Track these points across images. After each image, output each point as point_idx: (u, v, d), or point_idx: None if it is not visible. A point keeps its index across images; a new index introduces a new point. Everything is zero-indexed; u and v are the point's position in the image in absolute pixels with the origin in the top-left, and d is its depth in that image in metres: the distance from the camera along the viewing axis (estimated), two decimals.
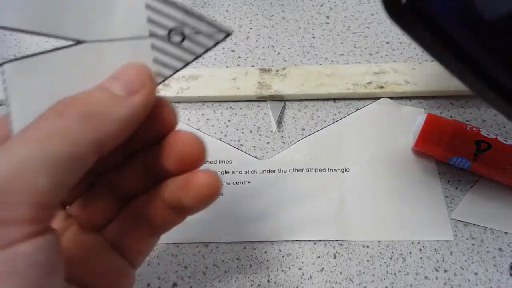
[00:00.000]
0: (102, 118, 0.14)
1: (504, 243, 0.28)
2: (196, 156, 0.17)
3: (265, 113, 0.35)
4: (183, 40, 0.15)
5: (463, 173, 0.31)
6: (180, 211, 0.19)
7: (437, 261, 0.28)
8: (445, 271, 0.27)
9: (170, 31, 0.15)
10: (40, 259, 0.13)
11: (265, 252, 0.28)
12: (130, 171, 0.19)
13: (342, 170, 0.31)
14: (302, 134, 0.33)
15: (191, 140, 0.17)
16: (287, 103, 0.35)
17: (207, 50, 0.16)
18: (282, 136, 0.33)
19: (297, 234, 0.29)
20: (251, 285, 0.27)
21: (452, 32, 0.15)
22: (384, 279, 0.27)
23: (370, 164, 0.32)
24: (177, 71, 0.16)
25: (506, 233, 0.29)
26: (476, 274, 0.27)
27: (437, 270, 0.27)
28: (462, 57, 0.16)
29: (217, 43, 0.16)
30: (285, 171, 0.31)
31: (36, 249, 0.13)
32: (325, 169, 0.32)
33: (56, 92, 0.14)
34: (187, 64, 0.16)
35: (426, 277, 0.27)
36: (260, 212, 0.30)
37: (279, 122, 0.34)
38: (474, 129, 0.30)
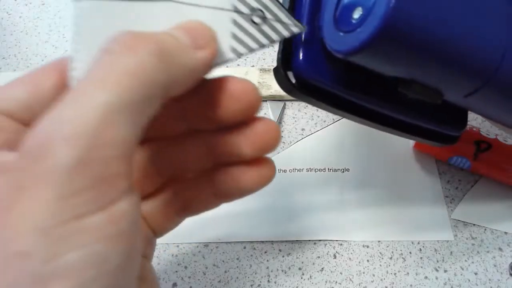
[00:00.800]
0: (173, 61, 0.13)
1: (504, 243, 0.28)
2: (274, 146, 0.17)
3: (265, 113, 0.35)
4: (262, 22, 0.16)
5: (463, 173, 0.31)
6: (228, 196, 0.18)
7: (437, 261, 0.28)
8: (445, 271, 0.27)
9: (252, 10, 0.15)
10: (137, 217, 0.12)
11: (265, 252, 0.28)
12: (190, 148, 0.18)
13: (342, 170, 0.31)
14: (302, 134, 0.33)
15: (274, 129, 0.17)
16: (287, 103, 0.35)
17: (280, 39, 0.16)
18: (282, 136, 0.33)
19: (297, 234, 0.29)
20: (251, 285, 0.27)
21: (338, 95, 0.18)
22: (384, 279, 0.27)
23: (370, 164, 0.32)
24: (250, 51, 0.16)
25: (506, 233, 0.29)
26: (476, 274, 0.27)
27: (437, 270, 0.27)
28: (356, 111, 0.18)
29: (288, 37, 0.16)
30: (285, 171, 0.31)
31: (133, 206, 0.12)
32: (325, 169, 0.32)
33: None
34: (261, 47, 0.16)
35: (426, 277, 0.27)
36: (260, 212, 0.30)
37: (279, 122, 0.34)
38: (474, 129, 0.30)
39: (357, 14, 0.14)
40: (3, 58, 0.39)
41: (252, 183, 0.17)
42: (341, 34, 0.15)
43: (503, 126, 0.23)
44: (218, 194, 0.18)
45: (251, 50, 0.16)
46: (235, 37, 0.16)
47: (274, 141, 0.17)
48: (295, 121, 0.34)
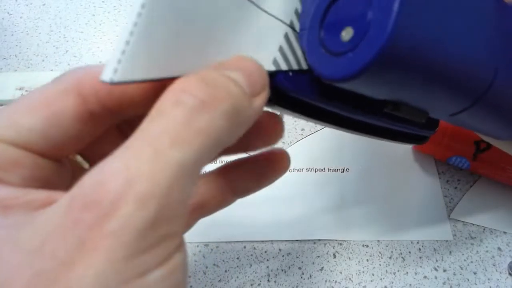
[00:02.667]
0: (241, 120, 0.13)
1: (503, 243, 0.29)
2: (280, 136, 0.18)
3: None
4: None
5: (463, 173, 0.31)
6: (246, 191, 0.19)
7: (436, 261, 0.28)
8: (444, 270, 0.28)
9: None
10: (187, 263, 0.12)
11: (265, 252, 0.28)
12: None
13: (342, 170, 0.32)
14: (302, 134, 0.34)
15: (277, 121, 0.18)
16: None
17: None
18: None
19: (296, 233, 0.29)
20: (251, 285, 0.27)
21: (315, 104, 0.16)
22: (384, 278, 0.27)
23: (370, 164, 0.32)
24: (289, 70, 0.15)
25: (505, 232, 0.29)
26: (475, 273, 0.27)
27: (436, 270, 0.28)
28: (330, 120, 0.18)
29: None
30: None
31: (185, 254, 0.12)
32: (325, 169, 0.32)
33: (188, 22, 0.12)
34: (299, 70, 0.15)
35: (425, 277, 0.27)
36: (260, 212, 0.30)
37: None
38: None
39: (347, 34, 0.13)
40: (4, 58, 0.39)
41: (269, 176, 0.18)
42: (329, 56, 0.13)
43: (489, 137, 0.23)
44: (235, 191, 0.19)
45: (291, 69, 0.15)
46: (281, 51, 0.15)
47: (279, 132, 0.17)
48: (295, 121, 0.34)
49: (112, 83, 0.11)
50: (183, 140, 0.11)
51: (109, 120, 0.15)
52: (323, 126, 0.19)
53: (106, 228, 0.10)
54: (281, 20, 0.15)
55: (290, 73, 0.15)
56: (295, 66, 0.15)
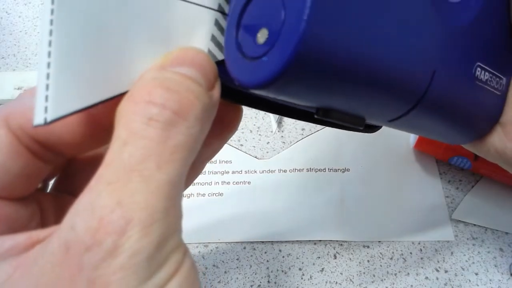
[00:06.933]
0: (208, 118, 0.13)
1: (505, 243, 0.28)
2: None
3: (265, 113, 0.35)
4: None
5: (464, 173, 0.31)
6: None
7: (438, 262, 0.28)
8: (446, 271, 0.27)
9: None
10: (194, 264, 0.13)
11: (265, 252, 0.28)
12: None
13: (342, 170, 0.31)
14: (302, 134, 0.33)
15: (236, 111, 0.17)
16: None
17: None
18: (282, 136, 0.33)
19: (297, 234, 0.29)
20: (251, 285, 0.27)
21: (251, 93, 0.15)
22: (385, 279, 0.27)
23: (370, 164, 0.32)
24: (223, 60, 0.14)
25: (507, 233, 0.29)
26: (476, 274, 0.27)
27: (437, 271, 0.27)
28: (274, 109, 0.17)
29: None
30: (285, 171, 0.31)
31: (191, 258, 0.12)
32: (325, 169, 0.31)
33: (104, 20, 0.11)
34: None
35: (426, 278, 0.27)
36: (260, 212, 0.30)
37: (279, 122, 0.34)
38: None
39: (262, 37, 0.12)
40: (2, 57, 0.39)
41: (224, 135, 0.18)
42: (243, 58, 0.12)
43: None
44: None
45: None
46: (213, 39, 0.14)
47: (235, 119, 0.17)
48: (295, 121, 0.34)
49: (48, 123, 0.10)
50: (167, 159, 0.11)
51: (55, 156, 0.14)
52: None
53: (114, 264, 0.10)
54: (207, 7, 0.14)
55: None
56: None
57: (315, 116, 0.14)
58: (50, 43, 0.10)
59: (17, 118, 0.13)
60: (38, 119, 0.10)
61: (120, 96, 0.12)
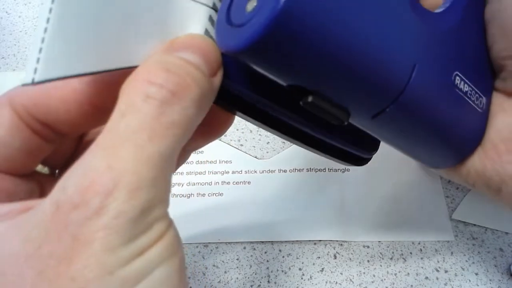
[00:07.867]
0: (206, 103, 0.13)
1: (505, 243, 0.28)
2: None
3: None
4: None
5: None
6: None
7: (438, 262, 0.28)
8: (446, 271, 0.27)
9: None
10: (179, 238, 0.13)
11: (265, 252, 0.28)
12: None
13: (342, 170, 0.31)
14: None
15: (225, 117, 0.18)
16: None
17: None
18: None
19: (297, 234, 0.29)
20: (251, 286, 0.27)
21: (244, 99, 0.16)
22: (385, 279, 0.27)
23: (370, 164, 0.32)
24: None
25: (507, 233, 0.29)
26: (476, 274, 0.27)
27: (437, 271, 0.27)
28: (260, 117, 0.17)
29: None
30: (285, 171, 0.31)
31: (176, 231, 0.13)
32: (325, 169, 0.31)
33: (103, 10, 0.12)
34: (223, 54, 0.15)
35: (426, 278, 0.27)
36: (260, 212, 0.30)
37: None
38: None
39: (251, 5, 0.12)
40: (2, 57, 0.39)
41: (214, 134, 0.18)
42: (230, 27, 0.13)
43: (422, 164, 0.22)
44: (186, 148, 0.19)
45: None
46: (207, 33, 0.15)
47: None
48: None
49: (34, 83, 0.11)
50: (160, 134, 0.12)
51: (55, 135, 0.15)
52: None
53: (99, 222, 0.11)
54: (203, 3, 0.15)
55: None
56: None
57: (301, 103, 0.14)
58: (50, 10, 0.11)
59: (20, 97, 0.14)
60: (27, 78, 0.11)
61: (108, 73, 0.13)
